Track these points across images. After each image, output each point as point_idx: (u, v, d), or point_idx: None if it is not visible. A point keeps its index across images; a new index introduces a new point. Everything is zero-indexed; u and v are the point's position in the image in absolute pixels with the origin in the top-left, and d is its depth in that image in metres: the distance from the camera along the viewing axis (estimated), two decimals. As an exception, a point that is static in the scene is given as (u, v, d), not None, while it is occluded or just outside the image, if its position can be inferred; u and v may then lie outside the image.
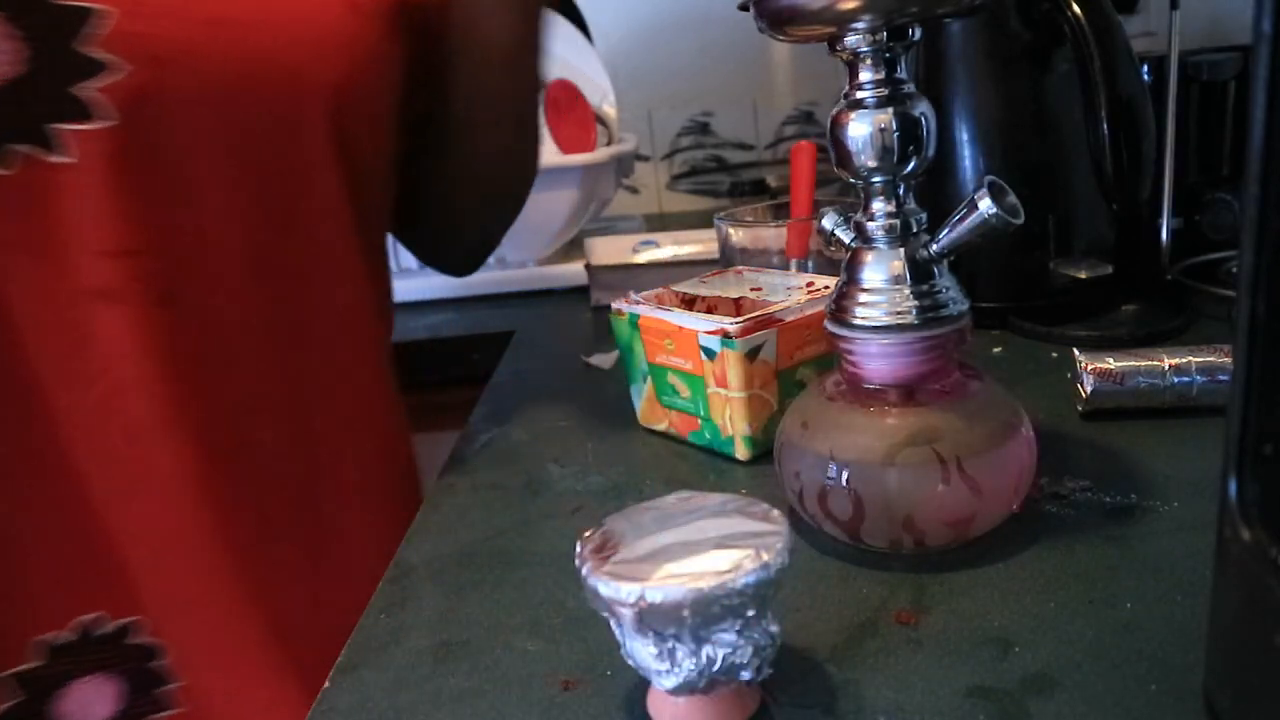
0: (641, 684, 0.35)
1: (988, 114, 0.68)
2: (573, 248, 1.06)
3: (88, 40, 0.43)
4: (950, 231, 0.40)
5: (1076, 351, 0.53)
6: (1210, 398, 0.50)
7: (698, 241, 0.91)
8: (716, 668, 0.30)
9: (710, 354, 0.51)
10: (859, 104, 0.40)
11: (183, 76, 0.46)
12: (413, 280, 1.01)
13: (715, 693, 0.31)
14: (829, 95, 1.39)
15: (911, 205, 0.41)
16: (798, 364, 0.52)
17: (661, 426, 0.58)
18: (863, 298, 0.41)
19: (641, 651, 0.31)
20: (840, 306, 0.42)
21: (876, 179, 0.41)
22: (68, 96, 0.43)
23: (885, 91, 0.39)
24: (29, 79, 0.42)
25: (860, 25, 0.38)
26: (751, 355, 0.50)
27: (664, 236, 0.96)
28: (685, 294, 0.59)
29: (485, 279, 0.99)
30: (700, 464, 0.54)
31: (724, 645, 0.30)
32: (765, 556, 0.30)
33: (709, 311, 0.58)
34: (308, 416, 0.55)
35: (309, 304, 0.54)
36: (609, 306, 0.58)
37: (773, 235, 0.68)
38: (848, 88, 0.40)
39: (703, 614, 0.29)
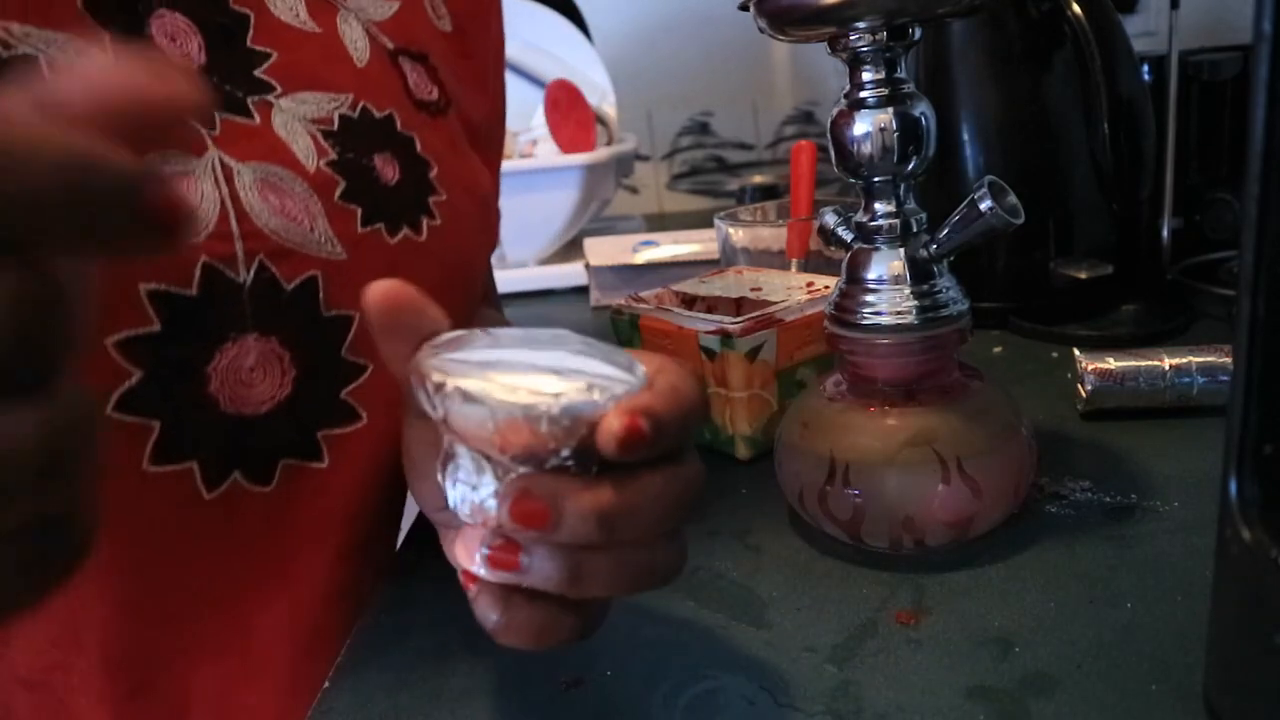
0: (642, 684, 0.35)
1: (988, 114, 0.68)
2: (573, 248, 1.06)
3: (351, 347, 0.41)
4: (950, 231, 0.40)
5: (1076, 351, 0.53)
6: (1210, 398, 0.50)
7: (698, 241, 0.91)
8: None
9: (710, 354, 0.51)
10: (859, 104, 0.40)
11: None
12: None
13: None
14: (829, 95, 1.39)
15: (911, 205, 0.41)
16: (798, 364, 0.52)
17: (661, 426, 0.57)
18: (863, 298, 0.41)
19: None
20: (840, 307, 0.42)
21: (876, 179, 0.41)
22: (336, 405, 0.41)
23: (885, 91, 0.39)
24: (300, 393, 0.40)
25: (861, 25, 0.38)
26: (751, 355, 0.50)
27: (664, 236, 0.96)
28: (685, 294, 0.59)
29: (485, 279, 0.99)
30: (700, 464, 0.54)
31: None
32: (595, 395, 0.26)
33: (709, 311, 0.58)
34: None
35: None
36: (609, 306, 0.58)
37: (773, 235, 0.68)
38: (848, 88, 0.40)
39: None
